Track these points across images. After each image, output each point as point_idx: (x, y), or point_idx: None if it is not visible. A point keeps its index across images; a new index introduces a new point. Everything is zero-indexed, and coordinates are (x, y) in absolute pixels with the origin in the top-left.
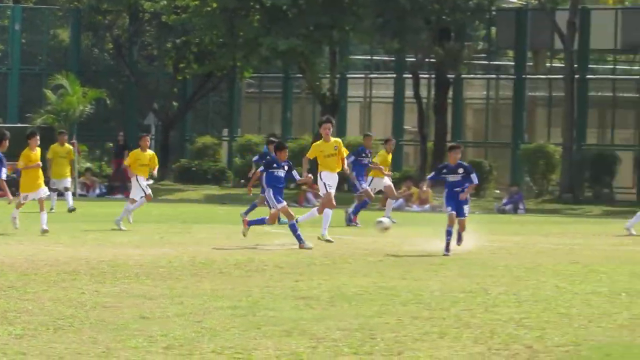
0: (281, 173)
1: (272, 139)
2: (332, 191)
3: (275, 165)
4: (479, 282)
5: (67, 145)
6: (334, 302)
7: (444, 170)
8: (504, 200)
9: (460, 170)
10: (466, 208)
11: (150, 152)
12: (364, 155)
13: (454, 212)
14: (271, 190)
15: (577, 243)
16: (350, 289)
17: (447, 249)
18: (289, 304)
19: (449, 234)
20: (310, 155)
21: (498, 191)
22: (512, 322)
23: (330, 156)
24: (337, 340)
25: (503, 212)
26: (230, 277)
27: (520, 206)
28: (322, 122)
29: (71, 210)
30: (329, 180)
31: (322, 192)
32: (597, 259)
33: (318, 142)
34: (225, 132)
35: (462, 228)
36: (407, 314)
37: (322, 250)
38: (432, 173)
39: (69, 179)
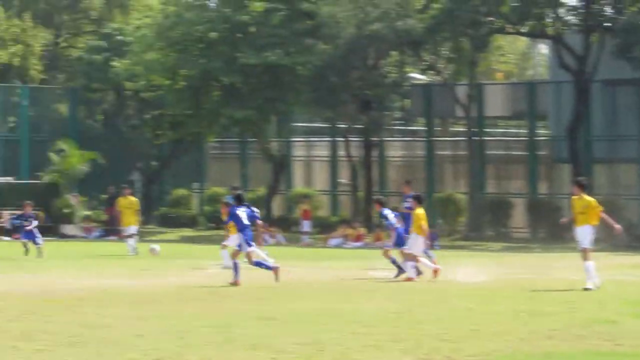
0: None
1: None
2: None
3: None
4: (406, 303)
5: (130, 197)
6: (290, 321)
7: None
8: None
9: None
10: None
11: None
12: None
13: None
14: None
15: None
16: (304, 311)
17: None
18: (255, 324)
19: None
20: None
21: None
22: (433, 337)
23: None
24: (293, 352)
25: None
26: (207, 302)
27: (435, 243)
28: None
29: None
30: None
31: None
32: (500, 283)
33: None
34: (195, 185)
35: None
36: (348, 330)
37: (281, 280)
38: None
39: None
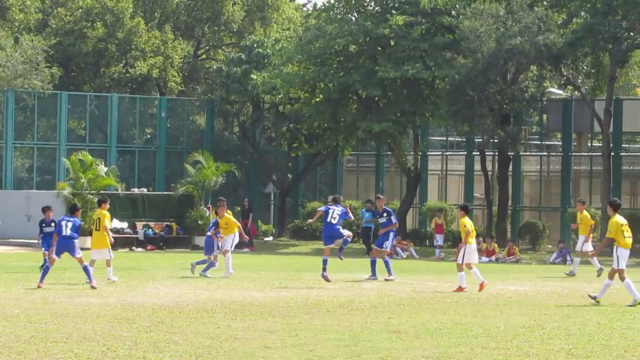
0: None
1: (369, 203)
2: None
3: None
4: (536, 319)
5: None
6: (419, 335)
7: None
8: (554, 254)
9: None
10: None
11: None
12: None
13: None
14: None
15: (614, 288)
16: (432, 324)
17: None
18: (383, 337)
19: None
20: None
21: (550, 246)
22: (563, 352)
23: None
24: None
25: (554, 263)
26: (335, 314)
27: (568, 258)
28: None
29: None
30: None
31: None
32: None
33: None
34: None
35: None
36: (478, 345)
37: (409, 293)
38: None
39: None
